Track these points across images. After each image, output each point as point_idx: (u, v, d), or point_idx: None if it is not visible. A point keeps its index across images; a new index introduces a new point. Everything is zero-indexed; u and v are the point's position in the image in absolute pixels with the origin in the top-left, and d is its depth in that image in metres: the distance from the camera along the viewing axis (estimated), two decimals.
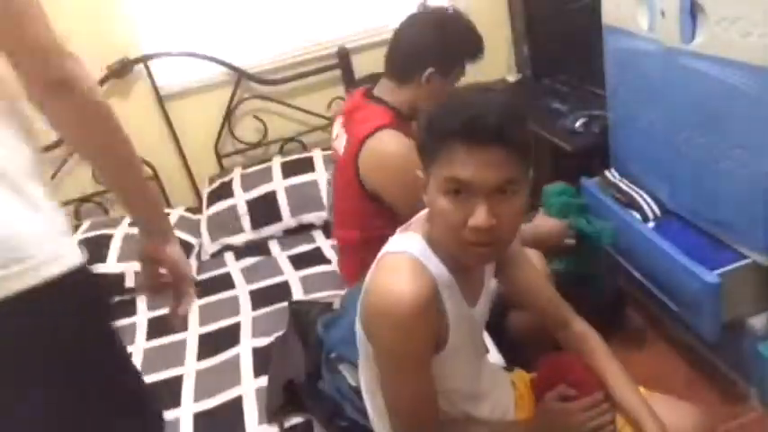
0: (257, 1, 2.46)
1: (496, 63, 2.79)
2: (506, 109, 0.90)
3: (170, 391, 1.60)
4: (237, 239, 2.26)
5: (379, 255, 1.05)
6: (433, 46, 1.56)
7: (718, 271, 1.51)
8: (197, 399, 1.56)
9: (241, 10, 2.46)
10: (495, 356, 1.42)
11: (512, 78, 2.76)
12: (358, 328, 1.06)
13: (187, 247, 2.15)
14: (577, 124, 2.14)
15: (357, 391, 1.25)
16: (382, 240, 1.09)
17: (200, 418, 1.50)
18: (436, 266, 0.99)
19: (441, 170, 0.92)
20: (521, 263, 1.20)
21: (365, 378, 1.15)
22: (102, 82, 2.33)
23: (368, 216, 1.63)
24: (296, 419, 1.37)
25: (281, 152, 2.63)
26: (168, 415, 1.50)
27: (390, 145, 1.54)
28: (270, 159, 2.50)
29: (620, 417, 1.13)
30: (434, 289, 0.98)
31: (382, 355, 1.01)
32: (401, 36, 1.62)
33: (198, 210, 2.45)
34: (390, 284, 0.96)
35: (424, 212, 1.07)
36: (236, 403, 1.50)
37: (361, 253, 1.68)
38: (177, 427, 1.48)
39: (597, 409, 1.10)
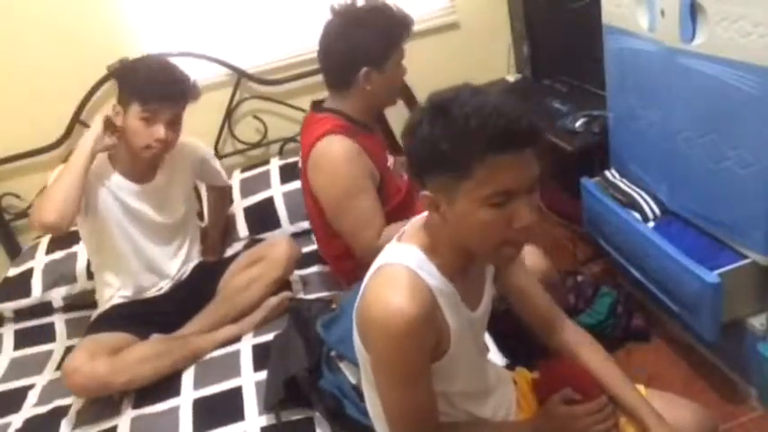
0: (257, 1, 2.47)
1: (496, 63, 2.80)
2: (523, 108, 0.90)
3: (169, 380, 1.61)
4: (236, 247, 2.17)
5: (375, 265, 1.03)
6: (357, 47, 1.53)
7: (718, 271, 1.50)
8: (196, 387, 1.57)
9: (241, 10, 2.46)
10: (495, 356, 1.41)
11: (512, 78, 2.76)
12: (355, 336, 1.06)
13: None
14: (577, 124, 2.14)
15: (358, 390, 1.25)
16: None
17: (198, 405, 1.51)
18: (435, 276, 0.99)
19: (481, 188, 0.88)
20: (515, 265, 1.19)
21: (365, 383, 1.14)
22: (102, 82, 2.33)
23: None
24: (296, 415, 1.37)
25: (281, 152, 2.63)
26: (168, 403, 1.53)
27: (336, 150, 1.51)
28: (269, 160, 2.49)
29: (622, 417, 1.13)
30: (431, 302, 0.97)
31: (379, 366, 1.01)
32: (325, 48, 1.59)
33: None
34: (386, 298, 0.95)
35: (417, 221, 1.06)
36: (236, 393, 1.51)
37: (350, 261, 1.66)
38: (177, 414, 1.49)
39: (601, 413, 1.10)
